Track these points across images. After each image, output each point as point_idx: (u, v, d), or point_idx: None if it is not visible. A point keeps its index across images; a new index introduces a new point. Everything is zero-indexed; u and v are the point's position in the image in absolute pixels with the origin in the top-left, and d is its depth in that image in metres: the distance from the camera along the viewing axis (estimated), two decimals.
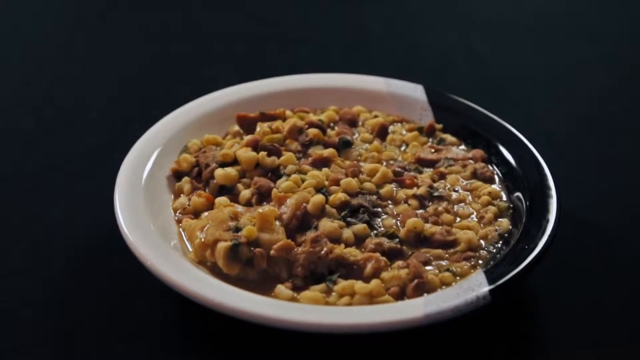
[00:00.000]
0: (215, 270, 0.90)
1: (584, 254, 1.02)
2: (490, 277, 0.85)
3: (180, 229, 0.97)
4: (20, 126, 1.29)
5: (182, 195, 1.02)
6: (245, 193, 1.00)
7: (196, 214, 0.98)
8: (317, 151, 1.05)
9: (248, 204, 0.99)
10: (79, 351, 0.88)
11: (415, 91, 1.19)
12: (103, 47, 1.56)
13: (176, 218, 0.99)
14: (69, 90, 1.40)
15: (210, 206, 0.99)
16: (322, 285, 0.88)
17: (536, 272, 0.92)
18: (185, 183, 1.03)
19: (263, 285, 0.89)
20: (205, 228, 0.92)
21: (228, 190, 1.02)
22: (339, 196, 0.97)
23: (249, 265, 0.90)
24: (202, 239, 0.91)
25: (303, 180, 0.99)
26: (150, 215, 0.96)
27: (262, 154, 1.03)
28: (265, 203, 0.98)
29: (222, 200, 0.98)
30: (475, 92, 1.40)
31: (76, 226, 1.05)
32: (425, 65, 1.50)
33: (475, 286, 0.84)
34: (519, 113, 1.33)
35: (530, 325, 0.94)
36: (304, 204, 0.95)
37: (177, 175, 1.05)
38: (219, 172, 1.01)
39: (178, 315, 0.92)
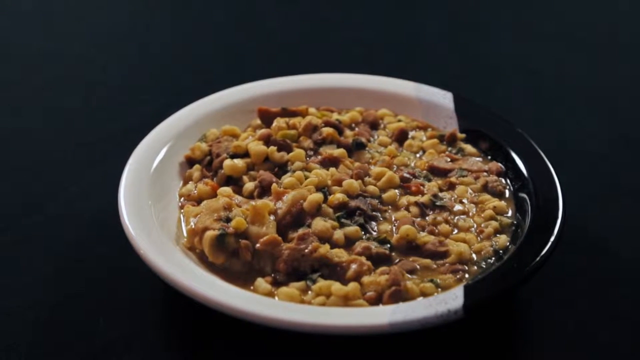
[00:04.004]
0: (203, 258, 0.92)
1: (583, 280, 0.99)
2: (469, 292, 0.83)
3: (181, 215, 0.99)
4: (63, 104, 1.35)
5: (190, 182, 1.04)
6: (249, 185, 1.01)
7: (199, 202, 1.00)
8: (328, 150, 1.05)
9: (251, 196, 1.00)
10: (64, 321, 0.92)
11: (444, 98, 1.17)
12: (157, 33, 1.62)
13: (180, 204, 1.01)
14: (117, 73, 1.46)
15: (214, 195, 1.00)
16: (301, 283, 0.88)
17: (529, 288, 0.91)
18: (196, 170, 1.05)
19: (246, 278, 0.90)
20: (199, 215, 0.94)
21: (234, 181, 1.03)
22: (338, 196, 0.96)
23: (234, 256, 0.91)
24: (193, 226, 0.93)
25: (307, 178, 1.00)
26: (154, 198, 0.98)
27: (272, 148, 1.04)
28: (266, 197, 0.98)
29: (224, 190, 1.00)
30: (520, 104, 1.37)
31: (90, 202, 1.10)
32: (473, 75, 1.48)
33: (450, 299, 0.82)
34: (559, 129, 1.29)
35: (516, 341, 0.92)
36: (300, 201, 0.95)
37: (190, 162, 1.07)
38: (227, 162, 1.03)
39: (162, 294, 0.95)
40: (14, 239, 1.03)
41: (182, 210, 0.99)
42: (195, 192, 1.02)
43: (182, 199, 1.02)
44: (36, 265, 1.00)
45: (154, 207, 0.97)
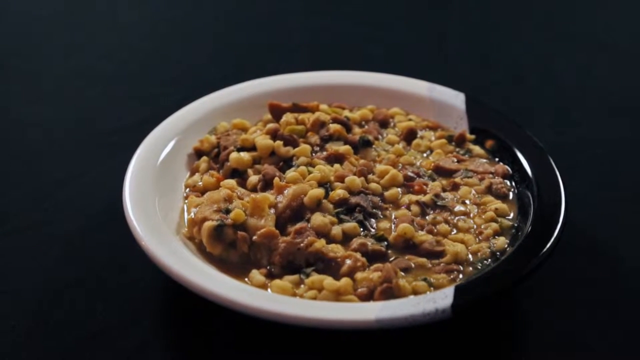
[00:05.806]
0: (201, 248, 0.93)
1: (582, 281, 0.98)
2: (459, 293, 0.83)
3: (185, 205, 1.01)
4: (85, 95, 1.38)
5: (197, 173, 1.06)
6: (253, 179, 1.02)
7: (204, 193, 1.01)
8: (334, 147, 1.06)
9: (254, 189, 1.01)
10: (63, 305, 0.94)
11: (456, 99, 1.17)
12: (176, 29, 1.65)
13: (185, 194, 1.03)
14: (136, 67, 1.50)
15: (218, 187, 1.01)
16: (295, 277, 0.89)
17: (527, 289, 0.91)
18: (203, 162, 1.07)
19: (242, 269, 0.91)
20: (199, 206, 0.95)
21: (240, 174, 1.04)
22: (338, 192, 0.97)
23: (231, 247, 0.92)
24: (193, 216, 0.94)
25: (310, 173, 1.00)
26: (160, 189, 1.00)
27: (278, 143, 1.05)
28: (269, 190, 0.99)
29: (227, 182, 1.01)
30: (538, 107, 1.36)
31: (100, 192, 1.12)
32: (494, 77, 1.47)
33: (439, 298, 0.82)
34: (574, 134, 1.28)
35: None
36: (301, 196, 0.96)
37: (199, 154, 1.09)
38: (233, 155, 1.04)
39: (161, 281, 0.96)
40: (20, 225, 1.06)
41: (186, 201, 1.01)
42: (201, 183, 1.03)
43: (187, 189, 1.04)
44: (39, 251, 1.02)
45: (160, 197, 0.98)
